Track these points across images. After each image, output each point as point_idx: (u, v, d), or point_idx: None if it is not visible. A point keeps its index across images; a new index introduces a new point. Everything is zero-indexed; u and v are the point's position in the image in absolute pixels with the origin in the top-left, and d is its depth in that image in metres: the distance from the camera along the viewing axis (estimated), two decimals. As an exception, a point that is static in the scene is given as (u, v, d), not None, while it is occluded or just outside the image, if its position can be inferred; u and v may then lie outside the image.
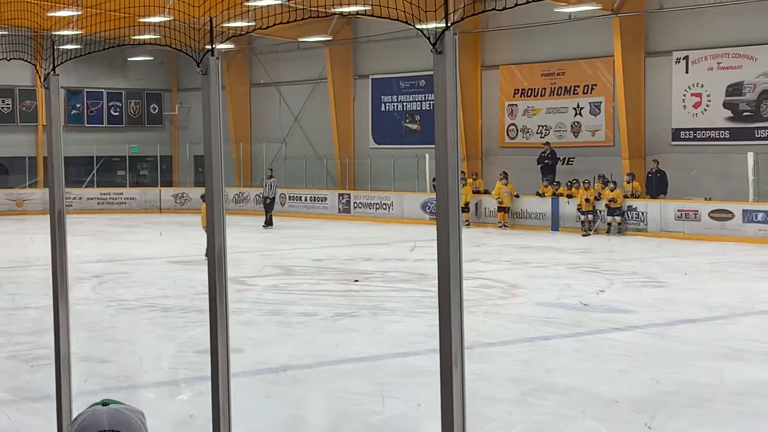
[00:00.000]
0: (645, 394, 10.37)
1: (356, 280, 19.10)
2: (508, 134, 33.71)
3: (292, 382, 11.11)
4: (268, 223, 31.93)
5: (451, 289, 3.97)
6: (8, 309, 15.99)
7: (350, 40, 37.30)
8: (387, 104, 37.17)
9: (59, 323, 5.58)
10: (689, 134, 29.17)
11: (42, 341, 12.45)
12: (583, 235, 28.36)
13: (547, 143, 31.79)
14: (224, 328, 4.92)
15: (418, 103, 35.94)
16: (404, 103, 36.60)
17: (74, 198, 38.13)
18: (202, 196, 22.30)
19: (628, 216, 28.66)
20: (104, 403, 2.69)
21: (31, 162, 40.34)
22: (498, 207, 31.18)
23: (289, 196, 37.80)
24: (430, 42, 4.02)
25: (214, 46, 4.96)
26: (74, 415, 5.67)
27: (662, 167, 29.07)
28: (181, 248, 24.51)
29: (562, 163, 31.80)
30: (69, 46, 6.64)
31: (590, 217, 29.05)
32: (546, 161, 31.56)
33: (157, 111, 44.39)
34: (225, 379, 4.91)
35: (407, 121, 36.59)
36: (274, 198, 32.77)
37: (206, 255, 18.09)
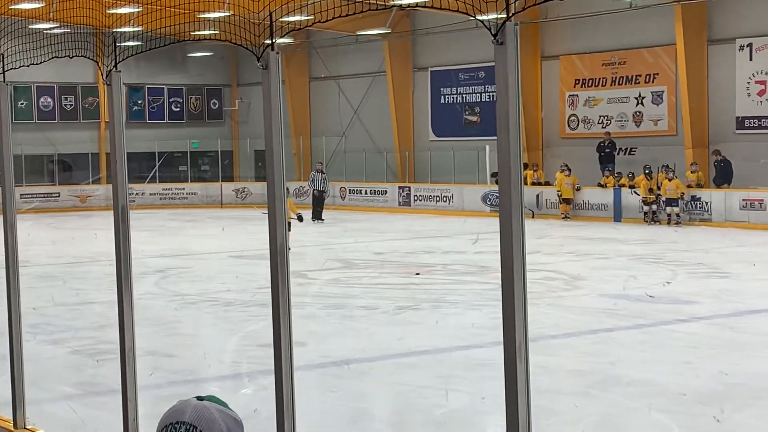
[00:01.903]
0: (711, 386, 10.22)
1: (417, 273, 19.07)
2: (569, 125, 33.47)
3: (355, 376, 11.12)
4: (317, 216, 32.01)
5: (515, 281, 3.93)
6: (73, 304, 16.18)
7: (409, 32, 37.24)
8: (446, 96, 37.08)
9: (124, 317, 5.62)
10: (754, 122, 28.73)
11: (106, 336, 12.59)
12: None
13: (608, 133, 31.50)
14: (287, 322, 4.92)
15: (478, 95, 35.80)
16: (464, 95, 36.47)
17: (137, 194, 38.55)
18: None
19: (691, 206, 28.31)
20: (200, 398, 2.65)
21: (93, 158, 40.84)
22: (560, 198, 30.99)
23: (350, 190, 37.89)
24: (491, 33, 3.98)
25: (274, 40, 4.95)
26: (140, 409, 5.71)
27: (727, 156, 28.67)
28: (243, 243, 24.66)
29: (624, 154, 31.50)
30: (130, 43, 6.69)
31: (653, 207, 28.76)
32: (606, 150, 31.26)
33: (217, 106, 44.72)
34: (288, 373, 4.91)
35: (467, 113, 36.47)
36: (323, 192, 32.84)
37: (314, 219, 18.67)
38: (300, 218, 22.07)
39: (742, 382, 10.34)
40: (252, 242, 23.52)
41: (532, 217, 30.96)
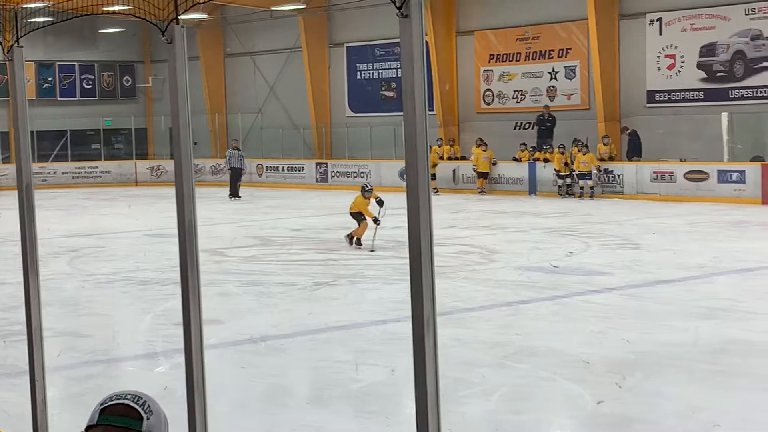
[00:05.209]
0: (620, 355, 10.41)
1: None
2: (484, 100, 33.69)
3: (272, 352, 11.11)
4: (234, 194, 31.83)
5: (422, 255, 3.95)
6: (-16, 285, 15.87)
7: (324, 8, 37.10)
8: (362, 72, 37.06)
9: (30, 297, 5.54)
10: (664, 96, 29.22)
11: (17, 317, 12.36)
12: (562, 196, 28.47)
13: (546, 106, 31.53)
14: (196, 299, 4.89)
15: (394, 70, 35.85)
16: (380, 71, 36.50)
17: (49, 172, 37.91)
18: (364, 188, 19.15)
19: (604, 179, 28.71)
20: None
21: (3, 137, 40.02)
22: (476, 173, 31.18)
23: (266, 167, 37.71)
24: (395, 5, 3.98)
25: (178, 14, 4.89)
26: (51, 390, 5.64)
27: (638, 129, 29.13)
28: (158, 221, 24.40)
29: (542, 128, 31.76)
30: (36, 19, 6.55)
31: (567, 180, 29.12)
32: (547, 124, 31.23)
33: (130, 83, 44.11)
34: (198, 351, 4.88)
35: (383, 88, 36.51)
36: (241, 169, 32.71)
37: (347, 237, 16.59)
38: (376, 221, 19.35)
39: (650, 350, 10.55)
40: (167, 220, 23.18)
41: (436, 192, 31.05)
